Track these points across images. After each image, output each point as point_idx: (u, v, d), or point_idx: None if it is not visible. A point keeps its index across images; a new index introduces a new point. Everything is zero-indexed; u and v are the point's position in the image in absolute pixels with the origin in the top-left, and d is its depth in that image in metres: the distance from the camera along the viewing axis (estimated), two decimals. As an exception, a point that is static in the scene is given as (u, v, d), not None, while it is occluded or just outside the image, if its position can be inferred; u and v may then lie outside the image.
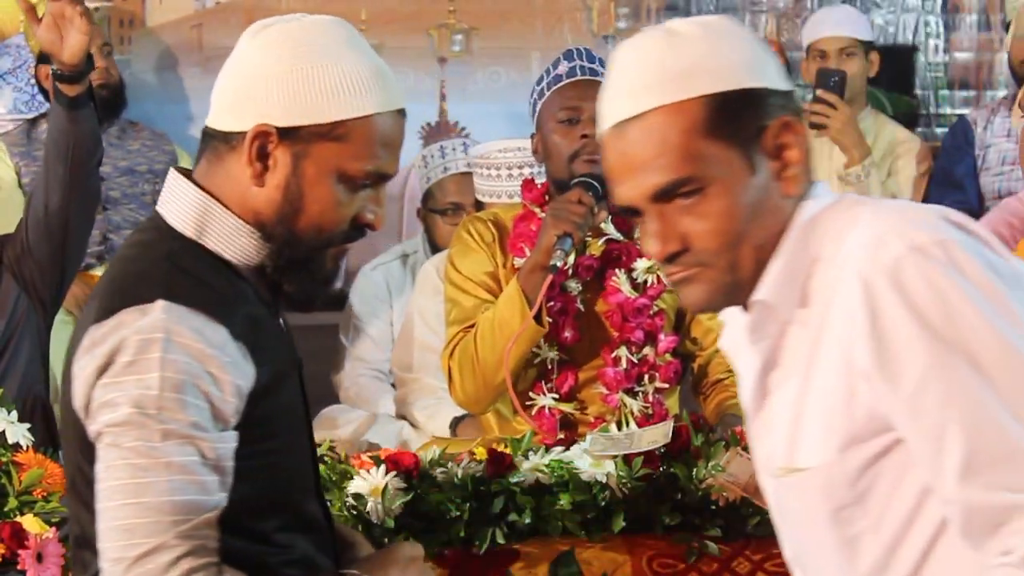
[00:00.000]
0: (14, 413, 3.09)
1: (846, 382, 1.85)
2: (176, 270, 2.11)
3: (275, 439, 2.15)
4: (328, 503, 2.42)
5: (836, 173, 4.93)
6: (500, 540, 2.98)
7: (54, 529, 2.83)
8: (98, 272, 4.83)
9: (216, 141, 2.18)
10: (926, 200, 5.05)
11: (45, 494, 2.94)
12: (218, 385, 2.05)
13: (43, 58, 4.91)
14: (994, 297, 1.78)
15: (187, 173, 2.22)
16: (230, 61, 2.21)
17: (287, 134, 2.12)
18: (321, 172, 2.13)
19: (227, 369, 2.05)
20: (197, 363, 2.03)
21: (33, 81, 5.13)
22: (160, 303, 2.05)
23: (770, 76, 1.95)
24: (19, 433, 3.05)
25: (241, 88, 2.17)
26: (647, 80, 1.91)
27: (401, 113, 2.18)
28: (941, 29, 5.64)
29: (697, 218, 1.90)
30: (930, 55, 5.65)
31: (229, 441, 2.07)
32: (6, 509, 2.92)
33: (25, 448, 3.03)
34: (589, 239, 3.54)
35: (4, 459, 2.99)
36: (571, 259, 3.47)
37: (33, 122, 4.99)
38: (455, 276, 3.63)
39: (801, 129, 1.94)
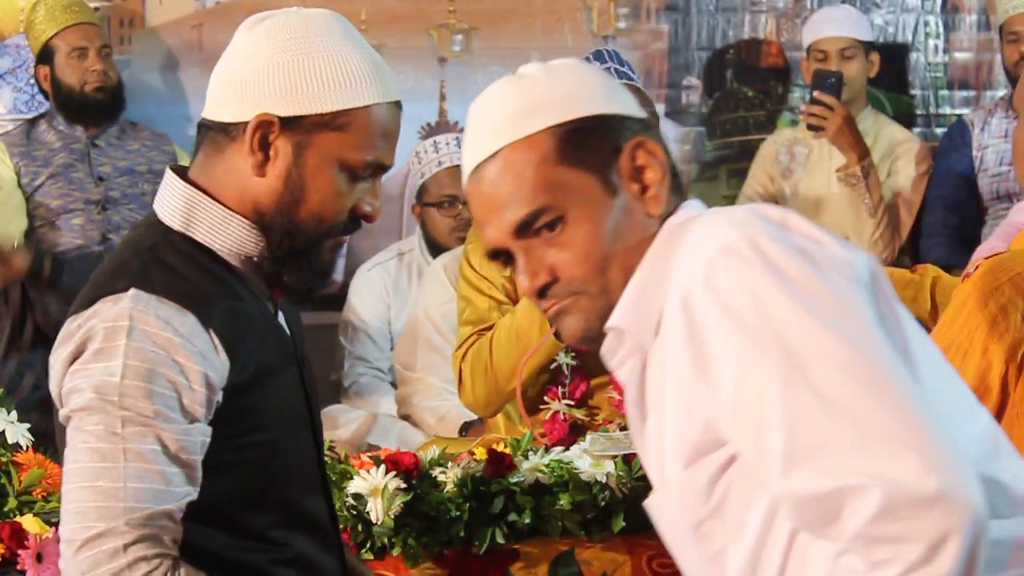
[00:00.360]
0: (14, 413, 3.09)
1: (683, 395, 1.83)
2: (154, 261, 2.12)
3: (261, 433, 2.15)
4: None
5: (835, 174, 4.94)
6: (500, 540, 2.99)
7: (54, 529, 2.83)
8: (98, 272, 4.84)
9: (214, 133, 2.18)
10: (924, 201, 5.06)
11: (45, 494, 2.94)
12: (184, 374, 2.05)
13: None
14: (805, 283, 1.75)
15: (182, 170, 2.23)
16: (227, 53, 2.21)
17: (289, 124, 2.12)
18: (323, 162, 2.14)
19: (194, 359, 2.05)
20: (163, 351, 2.04)
21: (33, 81, 5.13)
22: (131, 292, 2.07)
23: (619, 103, 1.96)
24: (19, 433, 3.05)
25: (240, 79, 2.16)
26: (496, 122, 1.93)
27: (398, 106, 2.19)
28: (941, 29, 5.64)
29: (561, 248, 1.91)
30: (929, 55, 5.65)
31: (196, 434, 2.07)
32: (6, 509, 2.92)
33: (25, 448, 3.03)
34: None
35: (4, 459, 2.99)
36: None
37: (33, 122, 4.99)
38: (470, 274, 3.62)
39: (657, 149, 1.93)
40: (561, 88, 1.94)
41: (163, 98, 5.37)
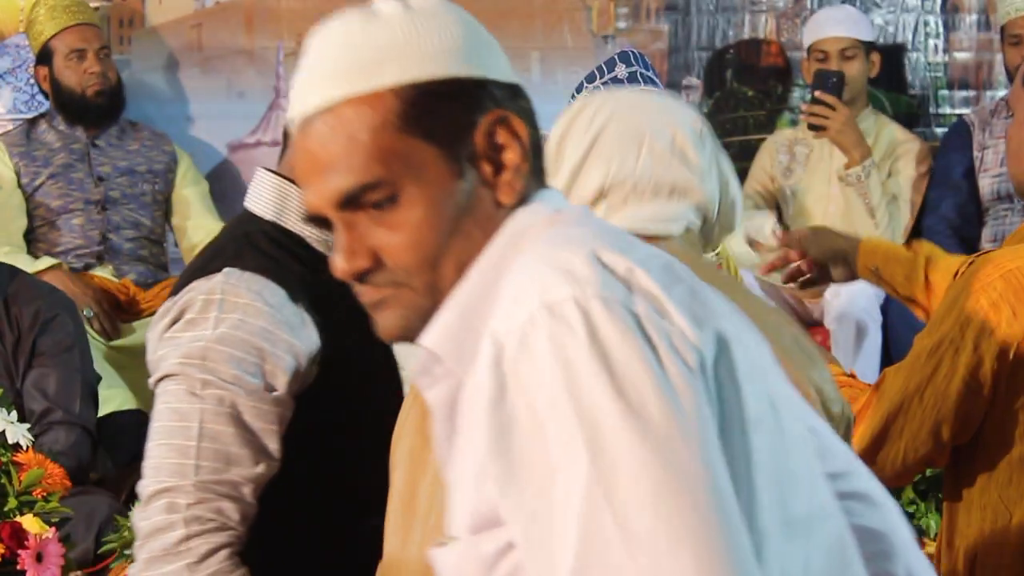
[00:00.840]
0: (14, 413, 3.09)
1: (478, 463, 1.51)
2: (247, 245, 2.22)
3: (345, 410, 2.21)
4: None
5: (836, 174, 4.94)
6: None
7: (54, 529, 2.83)
8: (98, 272, 4.83)
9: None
10: (925, 201, 5.05)
11: (45, 494, 2.94)
12: (271, 342, 2.13)
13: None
14: (631, 375, 1.43)
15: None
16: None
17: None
18: None
19: (282, 328, 2.14)
20: (251, 320, 2.13)
21: (33, 81, 5.13)
22: (225, 270, 2.17)
23: (488, 65, 1.67)
24: (19, 433, 3.05)
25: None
26: (335, 68, 1.63)
27: None
28: (941, 29, 5.64)
29: (390, 229, 1.60)
30: (929, 55, 5.65)
31: (275, 404, 2.14)
32: (6, 509, 2.92)
33: (25, 448, 3.03)
34: None
35: (4, 459, 2.99)
36: None
37: (33, 122, 5.00)
38: None
39: (521, 127, 1.62)
40: (419, 37, 1.63)
41: (163, 98, 5.37)
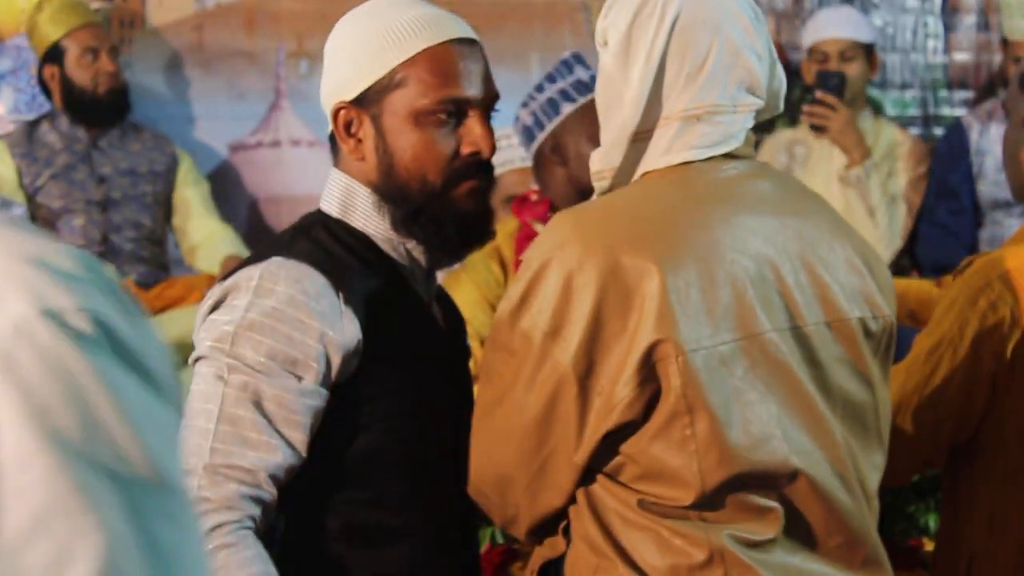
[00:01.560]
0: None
1: None
2: (304, 236, 2.23)
3: (389, 403, 2.20)
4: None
5: (836, 174, 4.94)
6: (500, 540, 2.99)
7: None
8: (99, 273, 4.84)
9: (333, 142, 2.31)
10: (922, 205, 5.06)
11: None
12: (303, 331, 2.12)
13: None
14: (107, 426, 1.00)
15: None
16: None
17: (359, 102, 2.24)
18: (399, 121, 2.22)
19: (315, 317, 2.13)
20: (284, 307, 2.12)
21: (34, 82, 5.14)
22: (273, 259, 2.17)
23: None
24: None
25: (323, 90, 2.31)
26: None
27: (462, 42, 2.26)
28: (940, 30, 5.64)
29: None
30: (929, 56, 5.66)
31: (303, 395, 2.13)
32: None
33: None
34: None
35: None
36: None
37: (34, 123, 5.00)
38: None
39: None
40: None
41: (164, 99, 5.38)
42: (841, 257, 2.31)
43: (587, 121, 3.28)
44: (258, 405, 2.11)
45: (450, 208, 2.23)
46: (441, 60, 2.22)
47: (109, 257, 4.88)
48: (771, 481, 2.21)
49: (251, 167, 5.47)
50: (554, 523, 2.30)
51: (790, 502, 2.23)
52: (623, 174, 2.30)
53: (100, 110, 4.90)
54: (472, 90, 2.23)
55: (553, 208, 3.49)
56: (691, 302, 2.15)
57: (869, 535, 2.31)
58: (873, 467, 2.33)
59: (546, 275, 2.17)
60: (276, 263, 2.15)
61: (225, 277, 2.22)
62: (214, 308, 2.18)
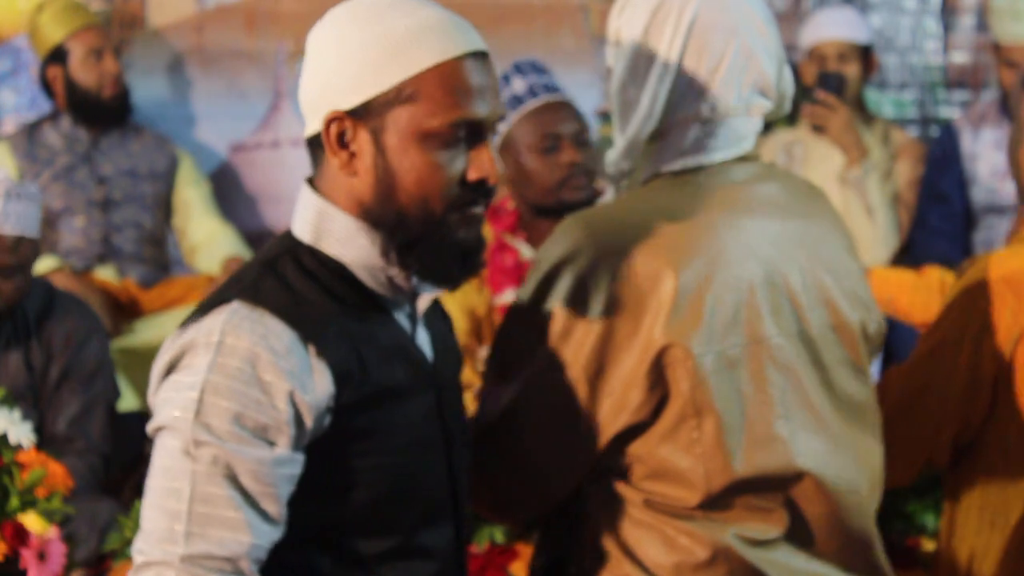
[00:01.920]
0: (16, 413, 3.10)
1: None
2: (269, 273, 2.02)
3: (379, 457, 2.02)
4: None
5: (836, 174, 4.95)
6: (500, 540, 2.99)
7: (56, 528, 2.84)
8: (99, 272, 4.84)
9: (313, 148, 2.09)
10: (917, 212, 5.06)
11: (47, 493, 2.95)
12: (269, 393, 1.93)
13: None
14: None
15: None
16: (303, 70, 2.13)
17: (358, 114, 2.02)
18: (403, 139, 2.01)
19: (284, 377, 1.93)
20: (249, 368, 1.93)
21: (34, 82, 5.14)
22: (233, 305, 1.97)
23: None
24: (21, 433, 3.06)
25: (309, 89, 2.08)
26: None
27: (475, 56, 2.05)
28: (938, 31, 5.65)
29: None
30: (927, 56, 5.66)
31: (276, 464, 1.94)
32: (8, 508, 2.93)
33: (27, 448, 3.04)
34: None
35: (6, 459, 3.00)
36: None
37: (35, 124, 5.00)
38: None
39: None
40: None
41: (164, 100, 5.38)
42: (842, 260, 2.33)
43: (528, 129, 3.35)
44: (232, 480, 1.92)
45: (449, 236, 2.04)
46: (454, 77, 2.01)
47: (109, 257, 4.88)
48: (777, 483, 2.22)
49: (251, 167, 5.47)
50: (555, 517, 2.31)
51: (795, 503, 2.24)
52: (638, 174, 2.31)
53: (105, 111, 4.90)
54: (484, 110, 2.04)
55: (522, 217, 3.49)
56: (701, 306, 2.16)
57: (871, 536, 2.32)
58: (874, 467, 2.34)
59: (558, 278, 2.18)
60: (239, 314, 1.95)
61: (185, 322, 2.03)
62: (171, 368, 1.98)
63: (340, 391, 1.98)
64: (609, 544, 2.23)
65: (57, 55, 4.90)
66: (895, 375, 2.67)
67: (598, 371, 2.17)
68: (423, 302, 2.13)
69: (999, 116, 4.98)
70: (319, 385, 1.96)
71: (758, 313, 2.20)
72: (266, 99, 5.44)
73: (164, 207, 5.03)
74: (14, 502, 2.94)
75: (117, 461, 4.28)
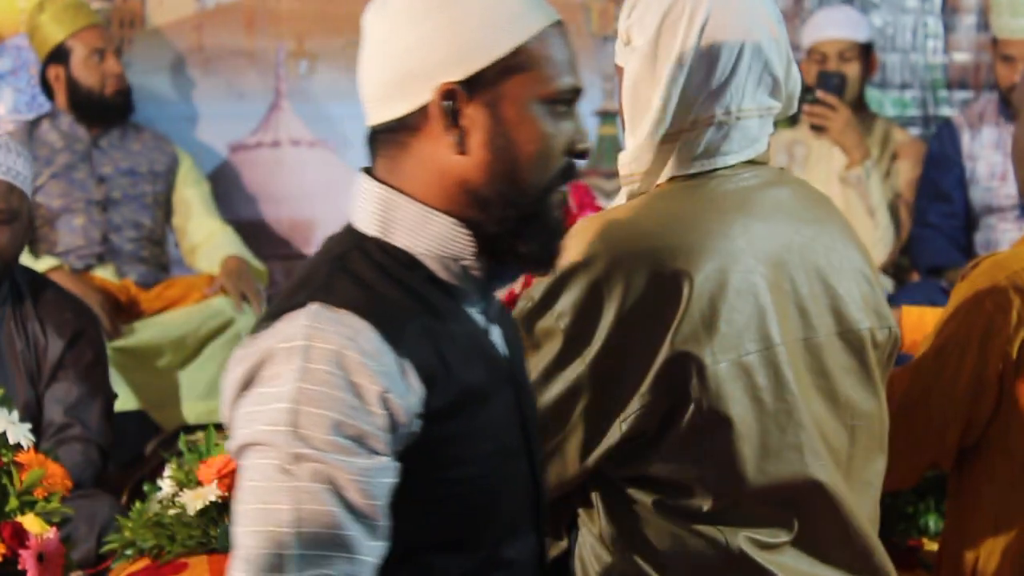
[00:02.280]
0: (15, 413, 3.10)
1: None
2: (341, 271, 1.87)
3: (465, 467, 1.88)
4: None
5: (837, 174, 4.94)
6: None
7: (55, 529, 2.84)
8: (98, 272, 4.84)
9: (391, 134, 1.92)
10: (915, 210, 5.05)
11: (46, 494, 2.94)
12: (365, 398, 1.78)
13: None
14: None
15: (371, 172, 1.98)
16: (367, 50, 1.95)
17: (472, 85, 1.87)
18: (521, 108, 1.88)
19: (378, 379, 1.78)
20: (341, 372, 1.78)
21: (34, 82, 5.13)
22: (311, 307, 1.81)
23: None
24: (20, 433, 3.05)
25: (399, 64, 1.90)
26: None
27: (560, 24, 1.94)
28: (940, 30, 5.64)
29: None
30: (928, 56, 5.65)
31: (379, 473, 1.79)
32: (7, 509, 2.93)
33: (26, 448, 3.04)
34: None
35: (5, 459, 2.99)
36: None
37: (34, 122, 5.00)
38: None
39: None
40: None
41: (164, 99, 5.37)
42: (852, 266, 2.32)
43: None
44: (337, 495, 1.76)
45: (549, 216, 1.92)
46: (555, 44, 1.90)
47: (109, 257, 4.88)
48: (788, 491, 2.21)
49: (251, 167, 5.46)
50: (556, 516, 2.31)
51: (804, 509, 2.23)
52: (652, 176, 2.30)
53: (106, 111, 4.90)
54: (581, 80, 1.94)
55: None
56: (716, 314, 2.15)
57: (875, 542, 2.32)
58: (877, 474, 2.34)
59: (571, 282, 2.17)
60: (320, 316, 1.79)
61: (256, 328, 1.86)
62: (249, 381, 1.81)
63: (429, 394, 1.83)
64: (621, 544, 2.22)
65: (58, 55, 4.90)
66: (900, 376, 2.66)
67: (606, 375, 2.16)
68: (499, 293, 2.01)
69: (997, 116, 4.98)
70: (411, 387, 1.82)
71: (768, 320, 2.20)
72: (266, 99, 5.44)
73: (164, 207, 5.03)
74: (13, 503, 2.94)
75: (117, 461, 4.28)
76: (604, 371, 2.16)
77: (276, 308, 1.86)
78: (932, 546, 3.02)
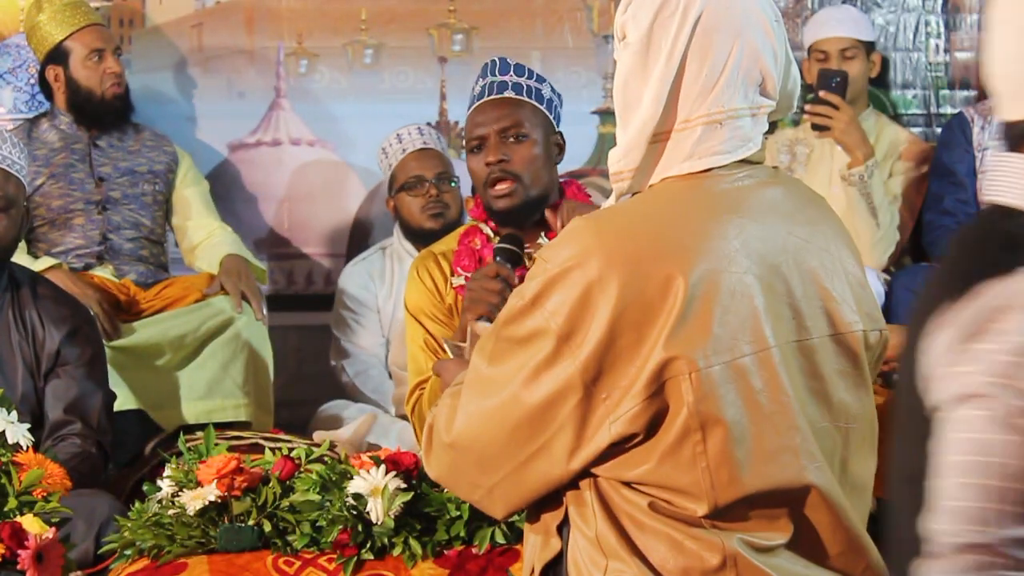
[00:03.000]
0: (14, 413, 3.09)
1: None
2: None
3: None
4: None
5: (839, 173, 4.93)
6: (500, 540, 2.98)
7: (54, 529, 2.83)
8: (98, 272, 4.83)
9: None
10: (926, 198, 5.04)
11: (45, 494, 2.94)
12: None
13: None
14: None
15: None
16: (998, 30, 1.90)
17: None
18: None
19: None
20: None
21: (33, 81, 5.12)
22: (1020, 270, 1.77)
23: None
24: (19, 433, 3.05)
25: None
26: None
27: None
28: (942, 29, 5.63)
29: None
30: (931, 55, 5.65)
31: None
32: (6, 509, 2.92)
33: (25, 448, 3.03)
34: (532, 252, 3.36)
35: (4, 459, 2.99)
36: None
37: (34, 121, 4.99)
38: (408, 320, 3.60)
39: None
40: None
41: (164, 98, 5.37)
42: (845, 268, 2.31)
43: None
44: None
45: None
46: None
47: (108, 257, 4.87)
48: (783, 494, 2.20)
49: (251, 166, 5.46)
50: (537, 514, 2.30)
51: (799, 511, 2.22)
52: (642, 175, 2.28)
53: (106, 111, 4.89)
54: None
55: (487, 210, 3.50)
56: (709, 316, 2.13)
57: (869, 543, 2.31)
58: (870, 476, 2.33)
59: (564, 282, 2.16)
60: None
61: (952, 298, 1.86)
62: (958, 338, 1.79)
63: None
64: (616, 547, 2.21)
65: (57, 55, 4.89)
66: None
67: (596, 376, 2.15)
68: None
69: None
70: None
71: (762, 321, 2.18)
72: (266, 98, 5.43)
73: (163, 206, 5.02)
74: (12, 503, 2.93)
75: (116, 461, 4.27)
76: (595, 372, 2.15)
77: (987, 268, 1.82)
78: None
